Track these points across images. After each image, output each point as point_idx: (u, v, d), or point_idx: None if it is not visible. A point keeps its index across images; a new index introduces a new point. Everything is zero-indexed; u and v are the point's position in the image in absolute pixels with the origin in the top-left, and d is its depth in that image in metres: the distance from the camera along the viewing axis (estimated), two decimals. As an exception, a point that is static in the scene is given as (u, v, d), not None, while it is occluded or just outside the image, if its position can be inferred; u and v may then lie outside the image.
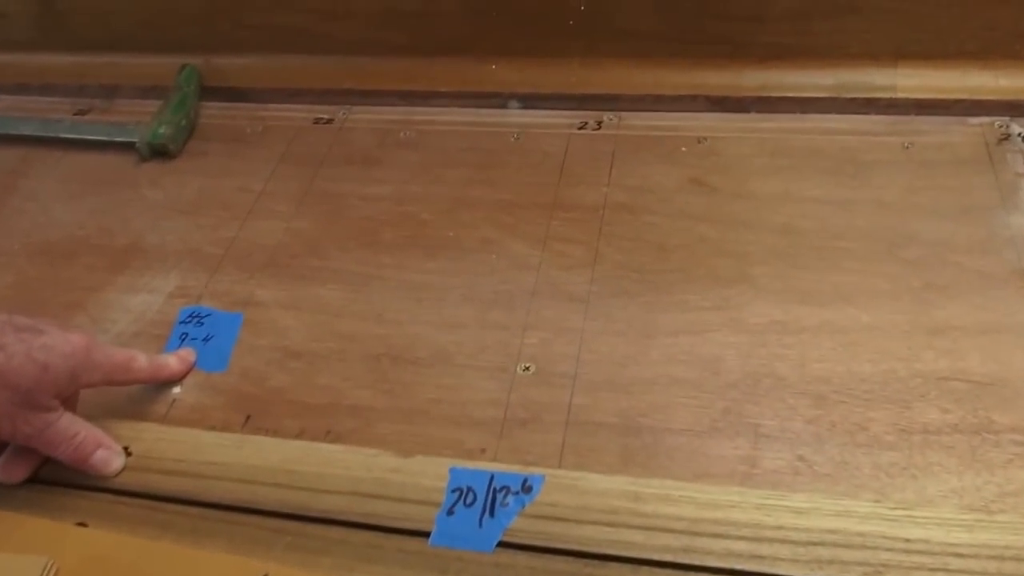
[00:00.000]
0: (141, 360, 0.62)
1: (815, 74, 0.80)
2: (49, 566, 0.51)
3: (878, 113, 0.78)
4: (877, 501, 0.50)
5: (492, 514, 0.52)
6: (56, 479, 0.59)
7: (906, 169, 0.73)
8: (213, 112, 0.96)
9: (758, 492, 0.51)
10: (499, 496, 0.53)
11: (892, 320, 0.61)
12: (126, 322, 0.72)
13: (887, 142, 0.76)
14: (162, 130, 0.90)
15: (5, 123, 0.97)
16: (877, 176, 0.73)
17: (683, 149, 0.79)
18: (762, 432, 0.56)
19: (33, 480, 0.59)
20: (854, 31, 0.78)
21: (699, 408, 0.58)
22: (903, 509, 0.48)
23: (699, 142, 0.80)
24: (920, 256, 0.66)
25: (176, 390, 0.66)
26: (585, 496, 0.52)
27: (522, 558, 0.51)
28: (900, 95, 0.77)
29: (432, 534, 0.52)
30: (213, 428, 0.62)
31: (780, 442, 0.55)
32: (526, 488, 0.53)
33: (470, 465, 0.55)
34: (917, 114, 0.77)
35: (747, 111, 0.81)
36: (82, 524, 0.56)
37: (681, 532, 0.49)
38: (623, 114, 0.85)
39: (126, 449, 0.59)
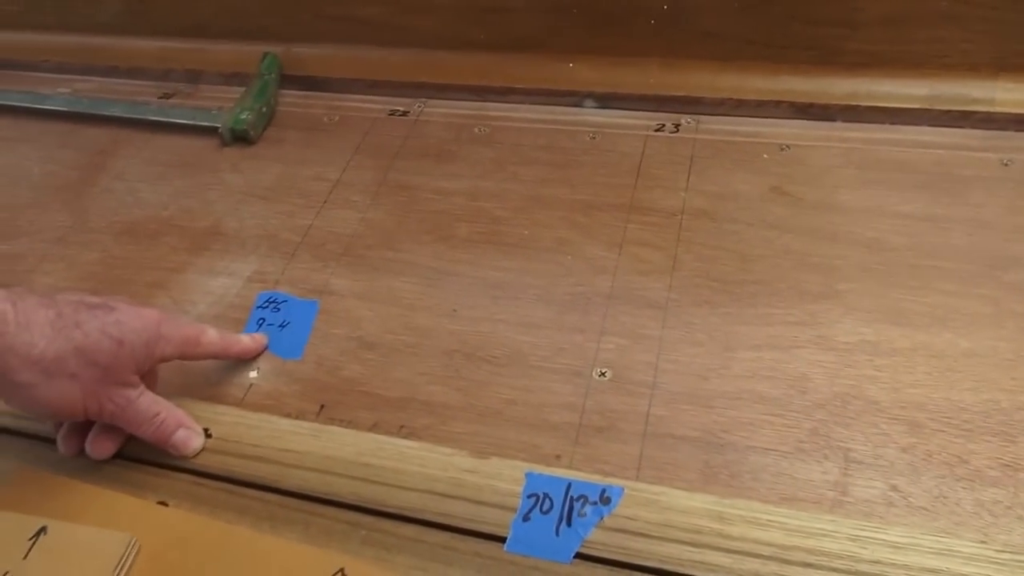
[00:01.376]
0: (212, 334, 0.60)
1: (908, 83, 0.74)
2: (132, 543, 0.49)
3: (974, 127, 0.72)
4: (982, 542, 0.45)
5: (569, 523, 0.49)
6: (139, 457, 0.57)
7: (1006, 187, 0.67)
8: (292, 100, 0.93)
9: (852, 522, 0.46)
10: (576, 505, 0.49)
11: (994, 347, 0.56)
12: (206, 304, 0.69)
13: (984, 158, 0.70)
14: (244, 116, 0.87)
15: (95, 104, 0.95)
16: (974, 193, 0.67)
17: (764, 156, 0.74)
18: (853, 457, 0.51)
19: (117, 457, 0.57)
20: (952, 40, 0.72)
21: (785, 427, 0.54)
22: (1011, 553, 0.43)
23: (782, 150, 0.75)
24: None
25: (253, 375, 0.63)
26: (667, 512, 0.48)
27: (601, 572, 0.47)
28: (999, 109, 0.71)
29: (508, 540, 0.49)
30: (288, 415, 0.59)
31: (872, 469, 0.50)
32: (604, 499, 0.49)
33: (545, 470, 0.52)
34: (1017, 130, 0.71)
35: (833, 120, 0.76)
36: (163, 503, 0.53)
37: (769, 558, 0.45)
38: (702, 118, 0.80)
39: (206, 431, 0.57)
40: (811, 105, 0.76)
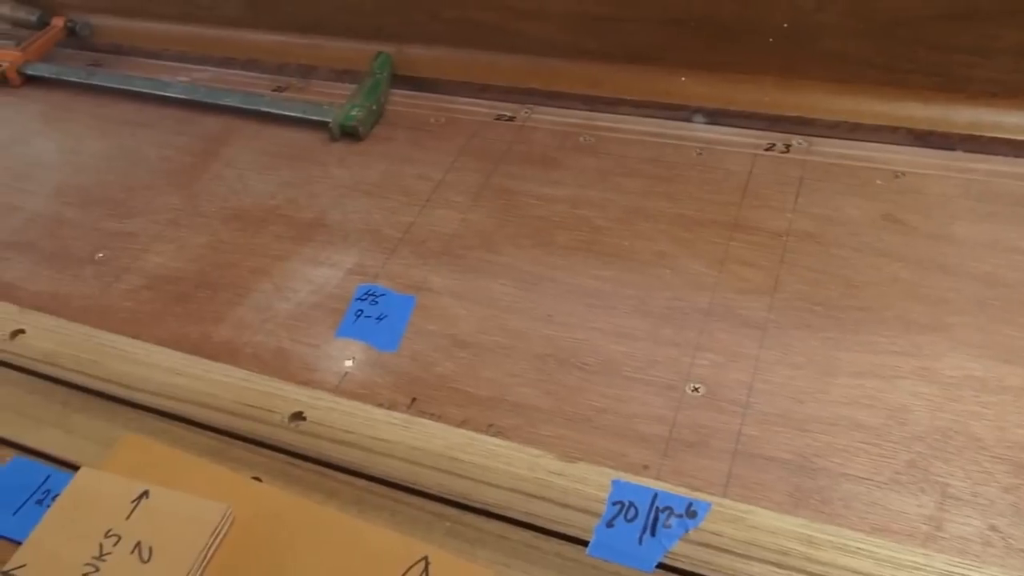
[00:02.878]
0: None
1: (1037, 117, 0.73)
2: (228, 513, 0.53)
3: (1102, 165, 0.71)
4: (1087, 591, 0.44)
5: (653, 533, 0.50)
6: (236, 433, 0.60)
7: None
8: (401, 100, 0.97)
9: (945, 558, 0.46)
10: (662, 516, 0.51)
11: (1112, 392, 0.55)
12: (306, 292, 0.73)
13: (1112, 198, 0.69)
14: (354, 113, 0.91)
15: (212, 94, 1.01)
16: (1100, 233, 0.66)
17: (878, 182, 0.74)
18: (950, 493, 0.51)
19: (217, 431, 0.61)
20: (1087, 75, 0.71)
21: (881, 457, 0.54)
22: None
23: (896, 176, 0.75)
24: None
25: (348, 364, 0.66)
26: (753, 532, 0.49)
27: (683, 584, 0.48)
28: None
29: (591, 544, 0.50)
30: (380, 405, 0.62)
31: (971, 507, 0.50)
32: (690, 512, 0.50)
33: (632, 479, 0.53)
34: None
35: (953, 149, 0.75)
36: (257, 479, 0.57)
37: (857, 587, 0.46)
38: (814, 139, 0.80)
39: (301, 414, 0.60)
40: (931, 133, 0.76)
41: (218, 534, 0.52)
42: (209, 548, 0.52)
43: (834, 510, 0.52)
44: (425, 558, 0.50)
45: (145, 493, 0.55)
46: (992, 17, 0.70)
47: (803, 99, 0.81)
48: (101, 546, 0.53)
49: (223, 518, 0.53)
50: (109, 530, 0.53)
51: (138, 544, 0.52)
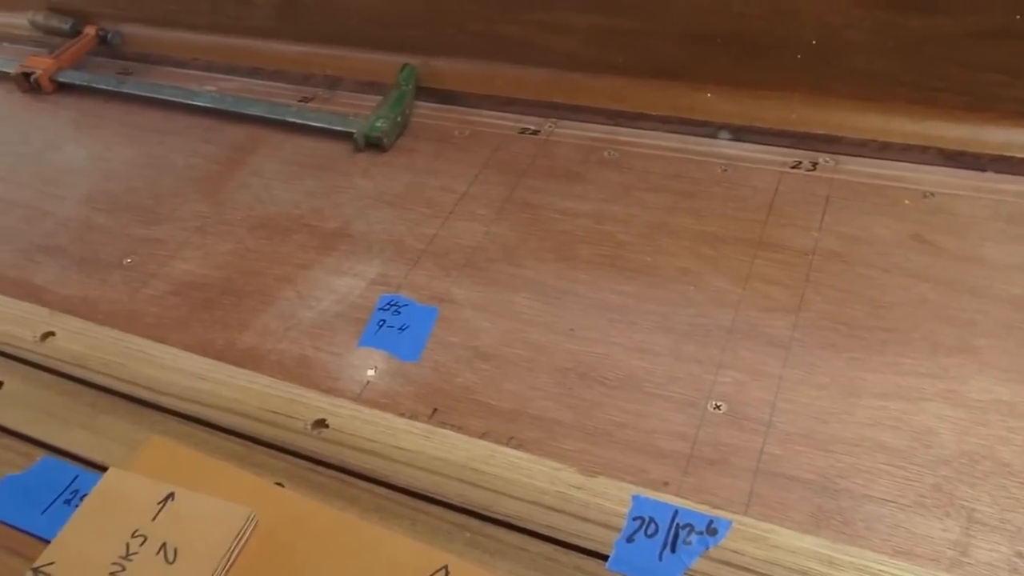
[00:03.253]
0: None
1: (1070, 138, 0.73)
2: (251, 517, 0.54)
3: None
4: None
5: (674, 550, 0.50)
6: (259, 438, 0.61)
7: None
8: (425, 112, 0.98)
9: (969, 582, 0.46)
10: (682, 533, 0.51)
11: None
12: (330, 301, 0.74)
13: None
14: (379, 124, 0.92)
15: (239, 103, 1.02)
16: None
17: (906, 202, 0.74)
18: (976, 518, 0.51)
19: (240, 436, 0.61)
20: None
21: (905, 480, 0.53)
22: None
23: (925, 197, 0.74)
24: None
25: (370, 373, 0.67)
26: (774, 551, 0.49)
27: (702, 602, 0.48)
28: None
29: (610, 559, 0.50)
30: (401, 415, 0.62)
31: (998, 533, 0.50)
32: (711, 530, 0.50)
33: (652, 495, 0.53)
34: None
35: (984, 170, 0.75)
36: (279, 484, 0.57)
37: (879, 609, 0.46)
38: (841, 158, 0.80)
39: (323, 421, 0.60)
40: (961, 153, 0.76)
41: (241, 537, 0.53)
42: (232, 551, 0.52)
43: (856, 531, 0.51)
44: (445, 567, 0.50)
45: (171, 495, 0.56)
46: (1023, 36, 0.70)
47: (831, 117, 0.81)
48: (128, 546, 0.53)
49: (247, 522, 0.53)
50: (136, 530, 0.54)
51: (163, 545, 0.53)
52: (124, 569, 0.52)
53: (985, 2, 0.70)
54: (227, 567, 0.52)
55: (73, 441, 0.63)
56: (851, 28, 0.76)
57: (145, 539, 0.53)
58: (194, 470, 0.58)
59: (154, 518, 0.54)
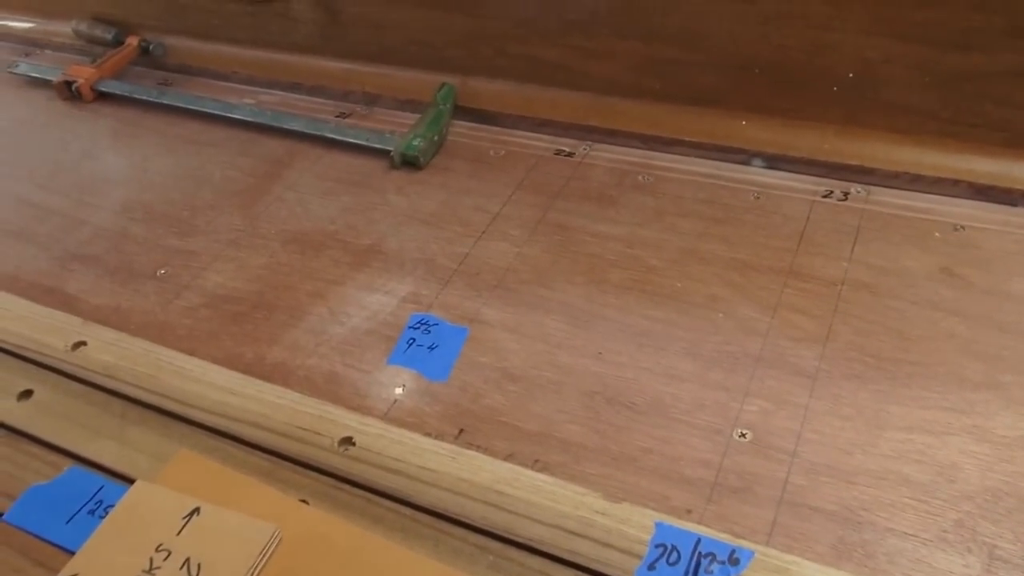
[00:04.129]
0: None
1: (1102, 176, 0.73)
2: (276, 534, 0.55)
3: None
4: None
5: (694, 579, 0.51)
6: (286, 454, 0.63)
7: None
8: (462, 131, 1.00)
9: (990, 620, 0.47)
10: (704, 562, 0.52)
11: None
12: (360, 318, 0.75)
13: None
14: (416, 142, 0.94)
15: (277, 117, 1.04)
16: None
17: (936, 235, 0.75)
18: (999, 555, 0.51)
19: (266, 451, 0.63)
20: None
21: (928, 514, 0.54)
22: None
23: (955, 230, 0.75)
24: None
25: (398, 391, 0.68)
26: (796, 582, 0.50)
27: (721, 632, 0.49)
28: None
29: (631, 586, 0.51)
30: (428, 435, 0.64)
31: (1019, 571, 0.51)
32: (733, 560, 0.51)
33: (675, 523, 0.54)
34: None
35: (1015, 205, 0.76)
36: (304, 501, 0.59)
37: (898, 644, 0.46)
38: (873, 188, 0.81)
39: (350, 439, 0.62)
40: (992, 188, 0.76)
41: (265, 554, 0.55)
42: (256, 567, 0.54)
43: (878, 565, 0.52)
44: None
45: (197, 510, 0.57)
46: (1059, 76, 0.71)
47: (864, 148, 0.82)
48: (152, 560, 0.55)
49: (271, 538, 0.55)
50: (160, 544, 0.56)
51: (187, 560, 0.55)
52: None
53: (1021, 43, 0.71)
54: None
55: (100, 452, 0.64)
56: (889, 63, 0.77)
57: (169, 553, 0.55)
58: (220, 484, 0.60)
59: (179, 532, 0.56)
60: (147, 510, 0.58)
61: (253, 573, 0.54)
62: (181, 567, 0.54)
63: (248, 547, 0.55)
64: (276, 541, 0.55)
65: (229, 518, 0.57)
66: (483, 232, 0.84)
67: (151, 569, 0.55)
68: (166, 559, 0.55)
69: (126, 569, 0.55)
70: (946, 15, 0.72)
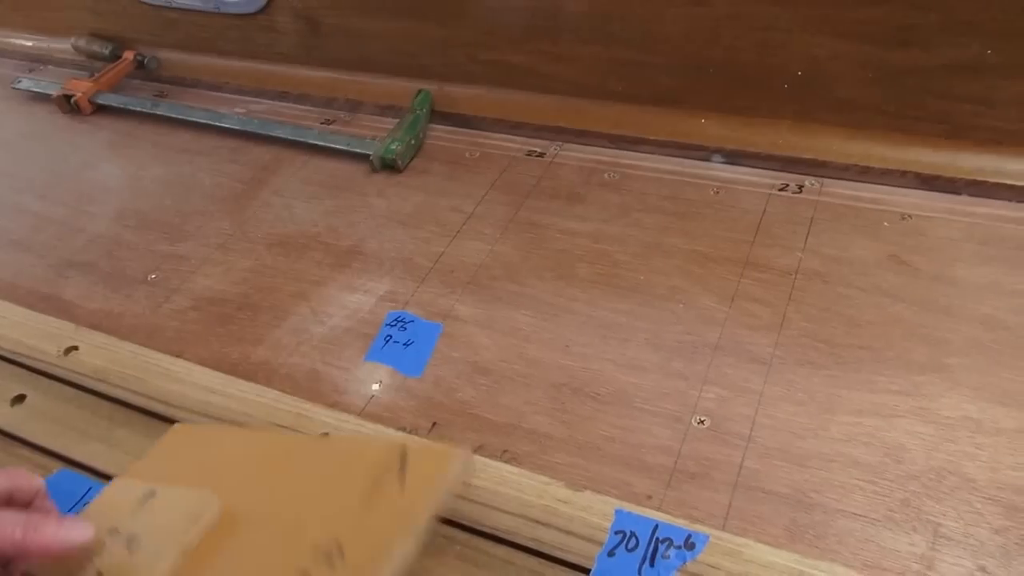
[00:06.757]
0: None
1: (1040, 165, 0.72)
2: (214, 502, 0.51)
3: (1103, 212, 0.69)
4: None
5: (652, 564, 0.49)
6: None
7: None
8: (439, 135, 0.98)
9: (933, 597, 0.45)
10: (661, 547, 0.50)
11: (1105, 438, 0.54)
12: (340, 317, 0.74)
13: (1113, 245, 0.67)
14: (394, 146, 0.92)
15: (264, 125, 1.02)
16: (1099, 279, 0.64)
17: (885, 224, 0.73)
18: (942, 533, 0.50)
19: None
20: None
21: (876, 495, 0.53)
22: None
23: (903, 219, 0.74)
24: None
25: (375, 387, 0.67)
26: (748, 565, 0.48)
27: (678, 615, 0.48)
28: None
29: (592, 572, 0.50)
30: (402, 429, 0.62)
31: (962, 548, 0.49)
32: (689, 544, 0.50)
33: (636, 509, 0.53)
34: None
35: (958, 193, 0.74)
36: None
37: (846, 622, 0.45)
38: (826, 181, 0.80)
39: (327, 435, 0.60)
40: (937, 177, 0.75)
41: (200, 520, 0.49)
42: (193, 534, 0.49)
43: (828, 545, 0.51)
44: (403, 450, 0.49)
45: (153, 492, 0.53)
46: (996, 70, 0.69)
47: (816, 142, 0.80)
48: (104, 543, 0.50)
49: (209, 505, 0.50)
50: (114, 528, 0.51)
51: (130, 536, 0.50)
52: (91, 561, 0.50)
53: (960, 38, 0.69)
54: (188, 550, 0.49)
55: (90, 454, 0.63)
56: (835, 60, 0.75)
57: (117, 533, 0.51)
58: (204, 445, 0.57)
59: (133, 514, 0.52)
60: (109, 501, 0.54)
61: (190, 538, 0.49)
62: (123, 544, 0.50)
63: (186, 516, 0.50)
64: (215, 508, 0.50)
65: (177, 493, 0.52)
66: (458, 231, 0.82)
67: (101, 552, 0.50)
68: (114, 540, 0.50)
69: (79, 554, 0.50)
70: (885, 13, 0.70)
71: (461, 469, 0.49)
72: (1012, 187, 0.72)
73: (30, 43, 1.32)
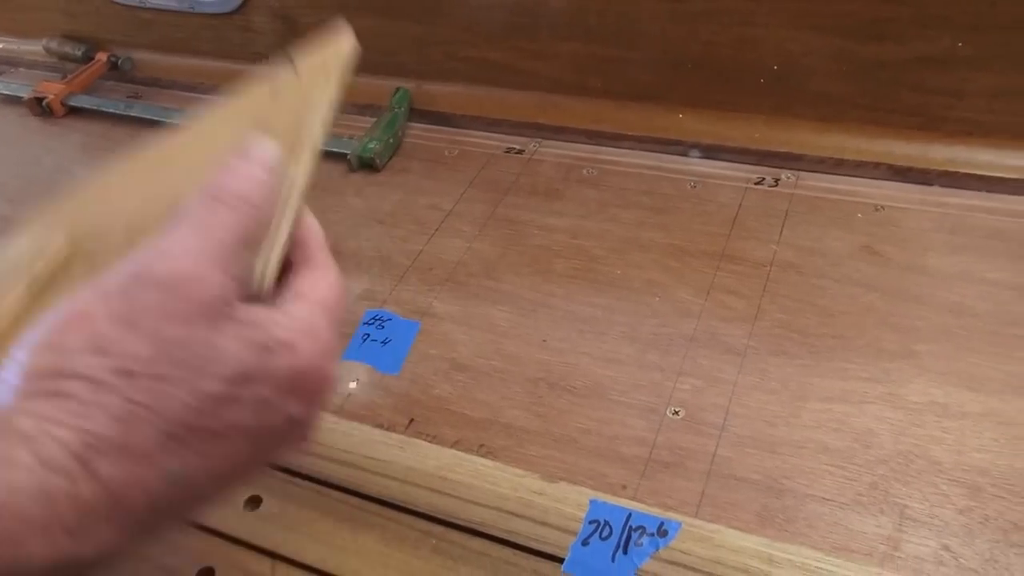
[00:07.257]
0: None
1: (1008, 154, 0.74)
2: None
3: (1072, 201, 0.72)
4: (1026, 609, 0.46)
5: (625, 551, 0.52)
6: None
7: (1099, 264, 0.67)
8: (418, 133, 1.00)
9: (897, 576, 0.48)
10: (634, 535, 0.52)
11: (1067, 421, 0.56)
12: (318, 317, 0.75)
13: (1080, 233, 0.69)
14: (372, 145, 0.94)
15: (240, 125, 1.04)
16: (1066, 267, 0.67)
17: (859, 215, 0.76)
18: (908, 514, 0.52)
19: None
20: (1056, 116, 0.72)
21: (845, 479, 0.55)
22: (1053, 622, 0.44)
23: (876, 210, 0.76)
24: (1108, 358, 0.60)
25: (352, 386, 0.69)
26: (719, 550, 0.51)
27: (652, 600, 0.50)
28: (1099, 185, 0.71)
29: (566, 561, 0.52)
30: (380, 426, 0.64)
31: (927, 528, 0.52)
32: (661, 532, 0.52)
33: (610, 499, 0.55)
34: (1116, 206, 0.70)
35: (930, 184, 0.77)
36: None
37: (813, 603, 0.47)
38: (801, 174, 0.82)
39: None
40: (910, 169, 0.77)
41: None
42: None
43: (798, 529, 0.53)
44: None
45: None
46: (967, 62, 0.72)
47: (792, 136, 0.83)
48: None
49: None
50: None
51: None
52: None
53: (931, 31, 0.72)
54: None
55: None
56: (809, 55, 0.78)
57: None
58: None
59: None
60: None
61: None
62: None
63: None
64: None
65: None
66: (436, 229, 0.84)
67: None
68: None
69: None
70: (858, 6, 0.73)
71: (351, 46, 0.47)
72: (982, 177, 0.75)
73: (0, 45, 1.33)
